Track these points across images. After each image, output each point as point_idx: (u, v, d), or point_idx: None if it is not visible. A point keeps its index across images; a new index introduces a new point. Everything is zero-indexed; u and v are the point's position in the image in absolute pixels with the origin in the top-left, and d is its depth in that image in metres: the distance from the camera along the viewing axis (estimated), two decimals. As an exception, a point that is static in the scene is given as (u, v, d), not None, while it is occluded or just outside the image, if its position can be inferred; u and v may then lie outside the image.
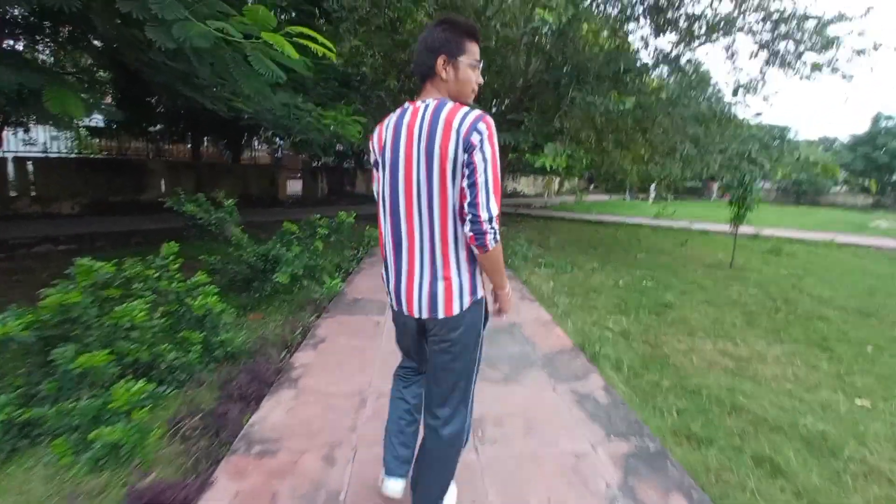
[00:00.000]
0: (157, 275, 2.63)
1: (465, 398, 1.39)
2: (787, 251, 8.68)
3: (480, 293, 1.33)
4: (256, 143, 16.37)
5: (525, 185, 23.74)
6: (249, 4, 2.14)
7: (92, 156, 12.22)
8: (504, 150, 8.87)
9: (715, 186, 26.24)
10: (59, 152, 12.21)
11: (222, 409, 2.15)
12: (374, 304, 4.05)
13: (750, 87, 6.12)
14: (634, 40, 7.91)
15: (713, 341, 3.80)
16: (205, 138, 12.01)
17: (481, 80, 1.35)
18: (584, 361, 2.95)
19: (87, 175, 10.20)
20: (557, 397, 2.42)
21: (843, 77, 6.90)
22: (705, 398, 2.76)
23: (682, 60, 7.35)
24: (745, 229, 7.00)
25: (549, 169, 5.25)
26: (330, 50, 2.24)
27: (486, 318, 1.40)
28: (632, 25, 7.45)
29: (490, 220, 1.17)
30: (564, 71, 6.54)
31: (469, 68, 1.28)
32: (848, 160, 27.37)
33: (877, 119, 29.66)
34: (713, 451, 2.20)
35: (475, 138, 1.16)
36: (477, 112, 1.20)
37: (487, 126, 1.18)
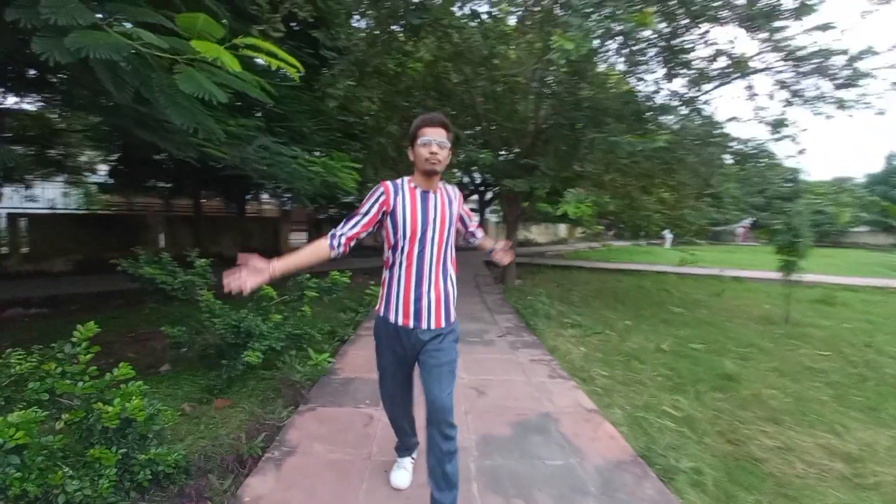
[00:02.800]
0: (59, 370, 1.92)
1: None
2: (840, 300, 7.74)
3: (380, 312, 1.78)
4: (267, 197, 16.24)
5: (537, 233, 23.19)
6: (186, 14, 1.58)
7: (92, 211, 11.93)
8: (516, 197, 8.31)
9: (739, 229, 25.42)
10: (65, 209, 11.99)
11: None
12: (369, 387, 3.23)
13: (788, 124, 5.54)
14: (648, 84, 7.53)
15: (808, 432, 2.92)
16: (205, 192, 11.72)
17: (434, 150, 1.62)
18: (654, 483, 2.09)
19: (81, 231, 9.80)
20: (634, 564, 1.56)
21: (878, 113, 6.38)
22: (842, 542, 1.88)
23: (700, 102, 6.89)
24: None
25: (574, 217, 4.60)
26: (293, 67, 1.66)
27: (378, 338, 1.83)
28: (643, 68, 7.08)
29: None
30: (579, 113, 6.06)
31: (420, 147, 1.63)
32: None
33: (890, 157, 29.36)
34: None
35: None
36: None
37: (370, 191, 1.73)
